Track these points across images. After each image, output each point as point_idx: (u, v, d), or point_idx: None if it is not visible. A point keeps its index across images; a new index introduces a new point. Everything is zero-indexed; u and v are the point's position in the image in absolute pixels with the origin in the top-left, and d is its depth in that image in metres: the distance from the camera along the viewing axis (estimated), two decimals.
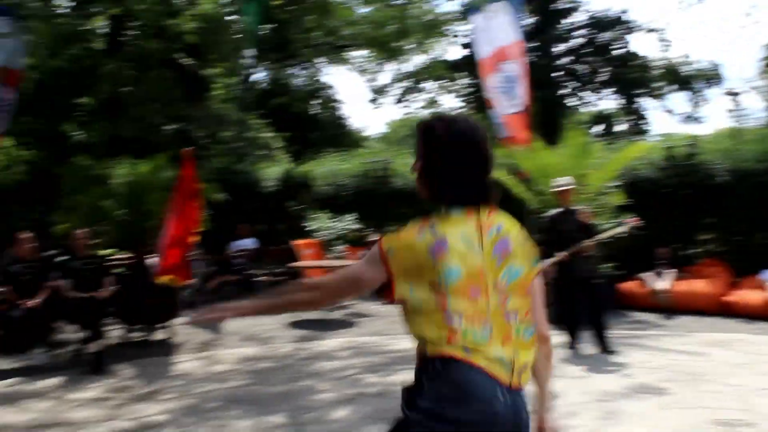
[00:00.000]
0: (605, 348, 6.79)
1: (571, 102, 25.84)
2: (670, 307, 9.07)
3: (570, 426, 4.44)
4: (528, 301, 2.05)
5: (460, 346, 1.89)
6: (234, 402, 5.23)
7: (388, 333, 8.01)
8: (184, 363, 6.70)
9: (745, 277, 9.33)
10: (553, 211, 7.20)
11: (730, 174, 10.11)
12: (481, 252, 1.97)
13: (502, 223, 2.06)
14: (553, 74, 24.18)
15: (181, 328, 8.46)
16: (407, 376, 6.00)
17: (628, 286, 9.62)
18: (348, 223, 11.39)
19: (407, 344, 7.49)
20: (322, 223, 11.27)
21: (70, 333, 7.74)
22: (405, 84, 27.68)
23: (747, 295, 8.82)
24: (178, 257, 7.33)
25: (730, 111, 26.55)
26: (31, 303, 6.68)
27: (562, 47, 24.87)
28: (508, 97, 11.18)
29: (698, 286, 9.21)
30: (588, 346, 6.88)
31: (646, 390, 5.34)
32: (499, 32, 11.33)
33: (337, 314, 9.41)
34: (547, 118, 22.62)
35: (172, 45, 14.44)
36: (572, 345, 6.90)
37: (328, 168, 13.29)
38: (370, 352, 7.04)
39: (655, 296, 9.23)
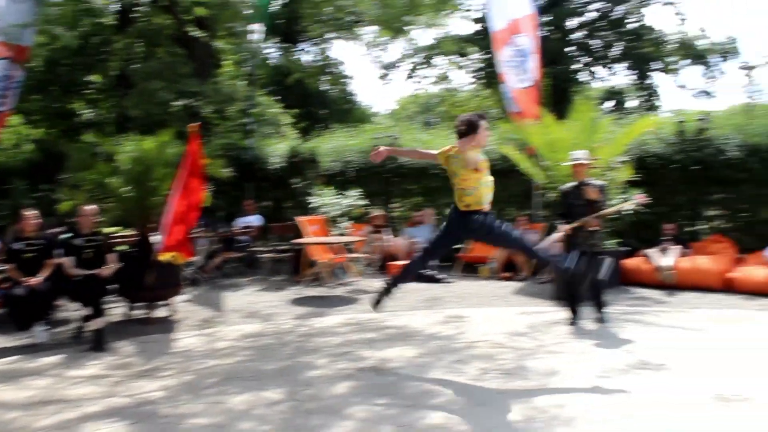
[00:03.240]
0: (601, 320, 6.90)
1: (583, 77, 25.50)
2: (675, 283, 9.04)
3: (571, 402, 4.47)
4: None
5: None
6: (233, 378, 5.25)
7: (389, 310, 7.93)
8: (185, 340, 6.73)
9: (751, 254, 9.26)
10: (567, 185, 7.19)
11: (740, 149, 9.98)
12: None
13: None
14: (565, 49, 23.82)
15: (183, 305, 8.50)
16: (404, 351, 6.00)
17: (634, 262, 9.56)
18: (353, 199, 11.35)
19: (405, 321, 7.51)
20: (327, 200, 11.24)
21: (72, 311, 7.82)
22: (415, 60, 27.46)
23: (752, 272, 8.73)
24: (181, 234, 7.31)
25: (744, 86, 26.06)
26: (34, 281, 6.70)
27: (575, 21, 24.45)
28: (520, 72, 11.11)
29: (703, 262, 9.13)
30: (589, 322, 6.90)
31: (645, 366, 5.31)
32: (514, 5, 11.21)
33: (339, 291, 9.42)
34: (559, 93, 22.41)
35: (182, 19, 14.36)
36: (573, 321, 6.90)
37: (334, 144, 13.22)
38: (369, 328, 7.04)
39: (659, 273, 9.18)
